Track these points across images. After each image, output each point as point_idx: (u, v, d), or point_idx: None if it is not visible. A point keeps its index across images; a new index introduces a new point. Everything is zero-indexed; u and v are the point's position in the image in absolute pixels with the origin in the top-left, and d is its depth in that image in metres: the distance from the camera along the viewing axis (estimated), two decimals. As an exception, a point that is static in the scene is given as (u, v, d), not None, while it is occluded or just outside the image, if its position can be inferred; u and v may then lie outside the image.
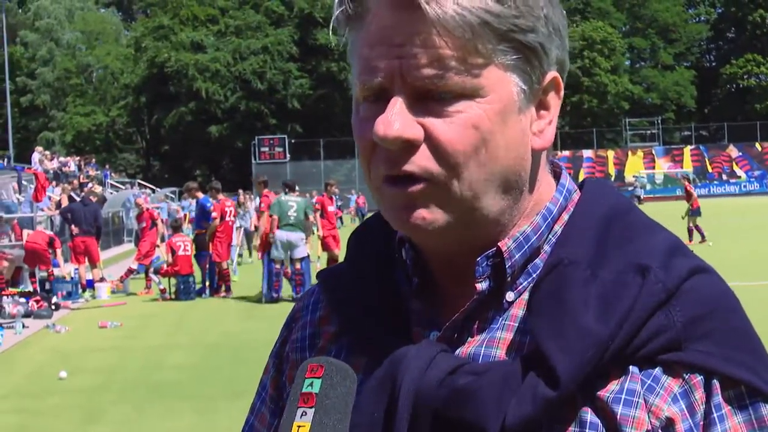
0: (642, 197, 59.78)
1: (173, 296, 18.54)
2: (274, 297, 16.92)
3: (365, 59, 1.06)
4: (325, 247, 18.96)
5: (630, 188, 61.58)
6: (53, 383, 10.60)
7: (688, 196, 27.05)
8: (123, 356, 12.26)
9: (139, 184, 51.71)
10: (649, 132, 71.49)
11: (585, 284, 1.04)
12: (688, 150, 68.01)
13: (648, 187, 64.40)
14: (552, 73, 1.10)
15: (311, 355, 1.25)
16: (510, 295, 1.12)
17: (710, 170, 66.74)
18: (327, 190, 19.86)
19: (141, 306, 17.57)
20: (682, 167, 66.51)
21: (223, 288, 18.79)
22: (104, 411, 9.23)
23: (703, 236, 25.78)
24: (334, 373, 0.98)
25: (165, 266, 18.83)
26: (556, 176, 1.21)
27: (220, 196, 19.35)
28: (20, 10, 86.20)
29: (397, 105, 1.03)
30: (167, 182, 60.89)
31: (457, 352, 1.10)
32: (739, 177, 66.98)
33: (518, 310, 1.11)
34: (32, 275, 18.65)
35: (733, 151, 67.59)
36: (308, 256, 17.30)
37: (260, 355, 11.99)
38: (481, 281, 1.10)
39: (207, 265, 19.01)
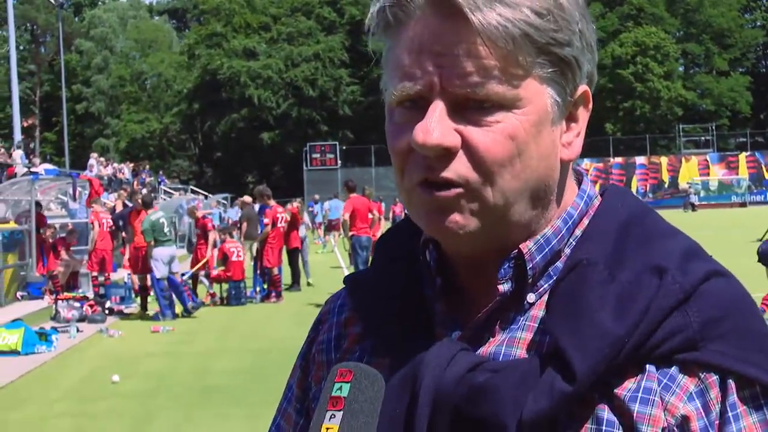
0: (696, 204, 59.14)
1: (225, 301, 18.68)
2: (169, 313, 16.66)
3: (404, 66, 1.08)
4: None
5: (684, 195, 60.90)
6: (106, 387, 10.72)
7: None
8: (174, 361, 12.38)
9: (192, 190, 52.09)
10: (702, 138, 70.59)
11: (603, 284, 1.06)
12: (743, 157, 67.06)
13: (702, 194, 63.65)
14: (583, 87, 1.13)
15: (337, 356, 1.29)
16: (531, 297, 1.14)
17: (767, 177, 65.75)
18: (364, 195, 19.72)
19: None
20: (737, 174, 65.64)
21: (274, 294, 18.91)
22: (155, 415, 9.31)
23: None
24: (363, 378, 1.00)
25: (216, 272, 19.00)
26: (579, 183, 1.23)
27: (272, 203, 19.44)
28: (75, 19, 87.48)
29: (437, 112, 1.05)
30: (219, 188, 61.32)
31: (478, 351, 1.12)
32: (796, 184, 65.89)
33: (539, 312, 1.12)
34: (95, 278, 18.92)
35: (790, 158, 66.56)
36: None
37: (310, 361, 11.80)
38: (503, 283, 1.12)
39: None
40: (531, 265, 1.12)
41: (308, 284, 21.50)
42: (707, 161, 67.09)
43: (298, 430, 1.34)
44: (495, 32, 1.02)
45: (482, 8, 1.02)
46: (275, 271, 19.00)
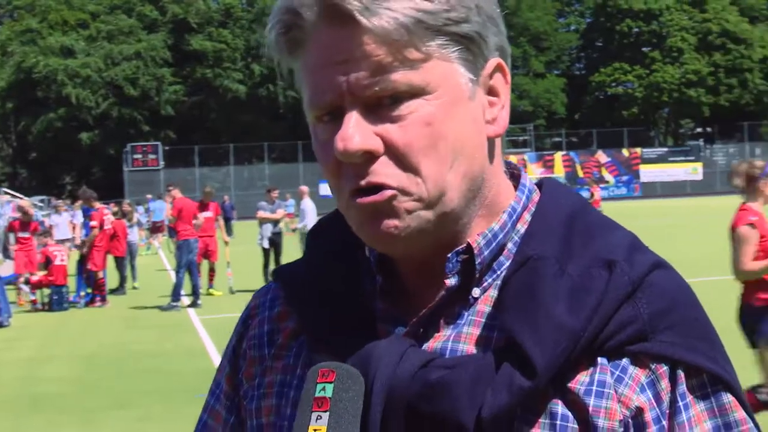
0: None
1: (47, 307, 18.03)
2: None
3: (314, 83, 1.07)
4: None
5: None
6: (-77, 399, 10.17)
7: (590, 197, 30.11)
8: (-3, 369, 11.86)
9: (6, 192, 50.07)
10: (521, 138, 72.79)
11: (555, 278, 1.07)
12: (559, 156, 69.58)
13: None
14: (494, 60, 1.13)
15: (271, 351, 1.24)
16: (476, 291, 1.13)
17: (581, 175, 68.41)
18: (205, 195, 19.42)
19: (12, 318, 16.92)
20: (553, 172, 68.04)
21: (98, 298, 18.41)
22: (-20, 426, 8.91)
23: None
24: (345, 378, 1.01)
25: (36, 277, 18.33)
26: (515, 177, 1.25)
27: (97, 205, 18.98)
28: None
29: (353, 119, 1.04)
30: (36, 190, 59.31)
31: (423, 347, 1.11)
32: (608, 182, 68.79)
33: (484, 306, 1.12)
34: None
35: (602, 157, 69.48)
36: None
37: (141, 364, 11.61)
38: (451, 277, 1.11)
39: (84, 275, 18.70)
40: (479, 260, 1.12)
41: (134, 287, 21.04)
42: (525, 160, 69.20)
43: (229, 428, 1.29)
44: (387, 27, 1.02)
45: (370, 8, 1.02)
46: (100, 274, 18.48)
